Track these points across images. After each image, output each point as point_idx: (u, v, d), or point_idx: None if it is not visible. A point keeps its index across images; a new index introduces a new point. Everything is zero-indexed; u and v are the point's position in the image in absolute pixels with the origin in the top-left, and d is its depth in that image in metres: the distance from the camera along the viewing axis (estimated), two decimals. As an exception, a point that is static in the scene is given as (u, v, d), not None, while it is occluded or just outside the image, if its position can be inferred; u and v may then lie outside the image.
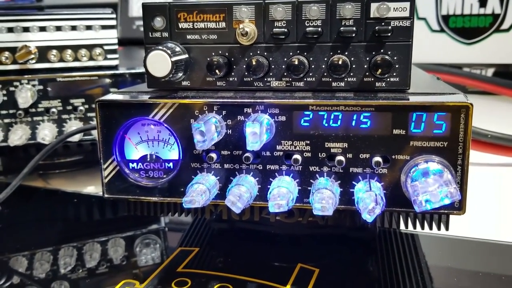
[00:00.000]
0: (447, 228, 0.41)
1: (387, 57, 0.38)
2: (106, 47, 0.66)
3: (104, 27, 0.65)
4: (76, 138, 0.62)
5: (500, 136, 0.69)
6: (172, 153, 0.42)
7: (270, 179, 0.40)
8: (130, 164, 0.43)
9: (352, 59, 0.39)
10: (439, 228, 0.42)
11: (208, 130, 0.37)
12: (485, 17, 1.18)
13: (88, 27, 0.64)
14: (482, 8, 1.18)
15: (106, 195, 0.43)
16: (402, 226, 0.46)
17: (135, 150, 0.42)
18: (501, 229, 0.52)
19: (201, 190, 0.38)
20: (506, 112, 1.07)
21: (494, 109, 1.10)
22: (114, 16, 0.67)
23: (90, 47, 0.65)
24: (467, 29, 1.20)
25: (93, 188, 0.67)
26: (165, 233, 0.55)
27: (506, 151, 0.70)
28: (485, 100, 1.18)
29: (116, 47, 0.67)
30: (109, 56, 0.66)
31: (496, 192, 0.64)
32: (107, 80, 0.65)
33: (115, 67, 0.67)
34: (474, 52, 1.20)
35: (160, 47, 0.39)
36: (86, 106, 0.64)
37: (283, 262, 0.45)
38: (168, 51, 0.39)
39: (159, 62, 0.39)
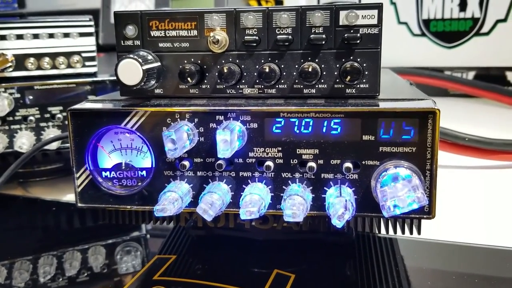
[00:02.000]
0: (419, 232, 0.42)
1: (356, 64, 0.38)
2: (84, 54, 0.65)
3: (82, 35, 0.65)
4: (54, 146, 0.62)
5: (478, 139, 0.70)
6: (145, 161, 0.42)
7: (243, 186, 0.40)
8: (103, 173, 0.43)
9: (323, 66, 0.39)
10: (411, 232, 0.42)
11: (180, 138, 0.38)
12: (465, 21, 1.20)
13: (66, 35, 0.64)
14: (462, 12, 1.20)
15: (79, 204, 0.43)
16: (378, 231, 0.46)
17: (108, 158, 0.42)
18: (478, 232, 0.53)
19: (173, 198, 0.38)
20: (486, 115, 1.08)
21: (475, 111, 1.12)
22: (92, 23, 0.66)
23: (68, 55, 0.65)
24: (448, 33, 1.22)
25: (72, 196, 0.66)
26: (146, 241, 0.55)
27: (484, 153, 0.71)
28: (466, 103, 1.19)
29: (94, 54, 0.66)
30: (87, 63, 0.66)
31: (473, 195, 0.64)
32: (86, 88, 0.65)
33: (93, 74, 0.66)
34: (455, 55, 1.22)
35: (131, 55, 0.39)
36: (64, 114, 0.64)
37: (259, 268, 0.45)
38: (139, 59, 0.39)
39: (130, 71, 0.39)
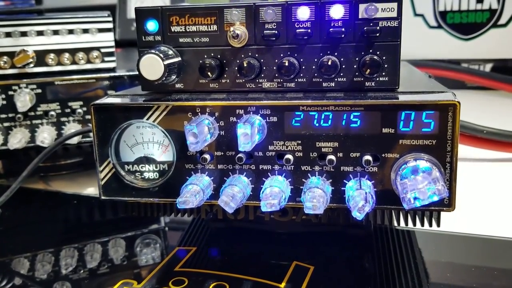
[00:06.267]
0: (438, 225, 0.42)
1: (375, 57, 0.38)
2: (103, 50, 0.66)
3: (101, 30, 0.66)
4: (74, 140, 0.63)
5: (496, 131, 0.69)
6: (167, 154, 0.43)
7: (263, 178, 0.41)
8: (126, 166, 0.43)
9: (342, 59, 0.40)
10: (430, 225, 0.42)
11: (201, 131, 0.38)
12: (482, 12, 1.18)
13: (85, 31, 0.65)
14: (479, 4, 1.18)
15: (103, 197, 0.44)
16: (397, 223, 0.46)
17: (130, 152, 0.43)
18: (497, 224, 0.53)
19: (195, 191, 0.39)
20: (504, 107, 1.07)
21: (492, 104, 1.11)
22: (110, 19, 0.67)
23: (87, 50, 0.66)
24: (465, 24, 1.21)
25: (93, 190, 0.68)
26: (165, 233, 0.56)
27: (502, 146, 0.70)
28: (483, 95, 1.18)
29: (113, 49, 0.67)
30: (106, 58, 0.67)
31: (492, 188, 0.64)
32: (105, 83, 0.66)
33: (112, 70, 0.67)
34: (472, 47, 1.21)
35: (152, 51, 0.40)
36: (84, 109, 0.65)
37: (278, 260, 0.46)
38: (161, 55, 0.40)
39: (152, 66, 0.40)
